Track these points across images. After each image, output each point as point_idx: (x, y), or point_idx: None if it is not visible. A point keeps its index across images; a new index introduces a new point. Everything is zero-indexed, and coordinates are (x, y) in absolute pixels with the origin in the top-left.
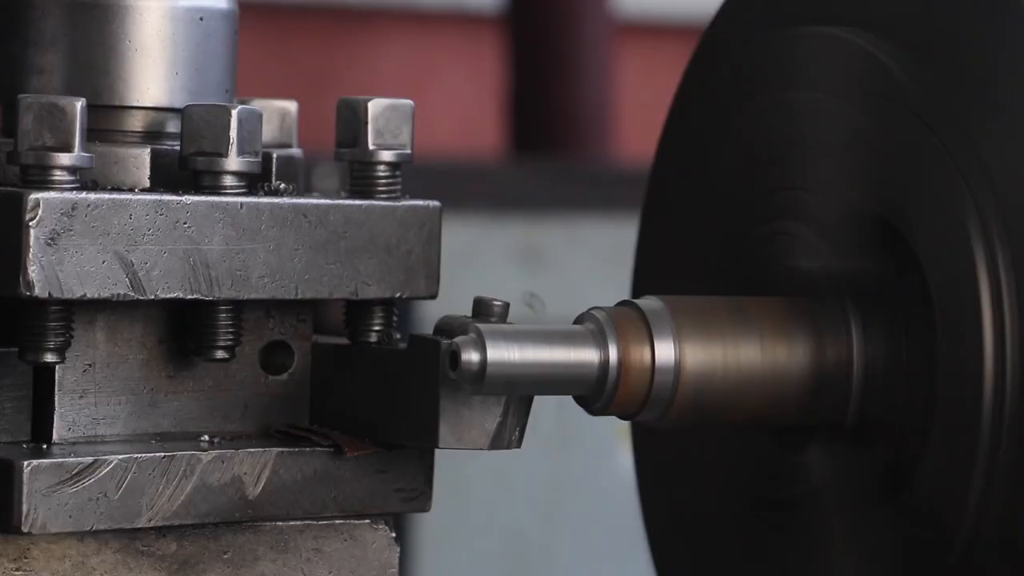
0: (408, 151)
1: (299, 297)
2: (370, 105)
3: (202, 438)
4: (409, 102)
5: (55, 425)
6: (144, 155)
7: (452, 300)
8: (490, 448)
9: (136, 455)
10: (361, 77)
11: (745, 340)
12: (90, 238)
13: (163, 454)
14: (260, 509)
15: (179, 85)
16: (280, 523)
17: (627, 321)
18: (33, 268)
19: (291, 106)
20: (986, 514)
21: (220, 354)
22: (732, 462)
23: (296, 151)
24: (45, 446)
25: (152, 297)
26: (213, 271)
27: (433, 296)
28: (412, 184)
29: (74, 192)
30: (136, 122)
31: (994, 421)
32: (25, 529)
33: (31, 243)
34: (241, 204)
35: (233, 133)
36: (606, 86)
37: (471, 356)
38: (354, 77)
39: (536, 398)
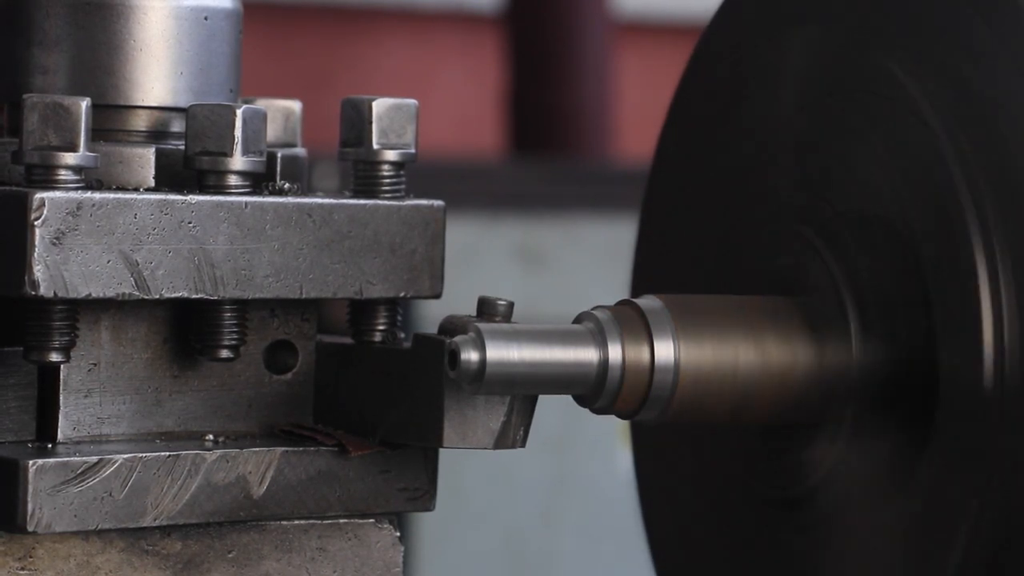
0: (412, 151)
1: (304, 297)
2: (374, 105)
3: (207, 437)
4: (413, 102)
5: (60, 424)
6: (149, 155)
7: (452, 300)
8: (495, 447)
9: (141, 454)
10: (361, 77)
11: (744, 339)
12: (95, 237)
13: (168, 453)
14: (264, 508)
15: (183, 85)
16: (284, 522)
17: (626, 320)
18: (38, 267)
19: (295, 106)
20: (986, 514)
21: (225, 353)
22: (731, 461)
23: (300, 151)
24: (50, 445)
25: (157, 296)
26: (218, 270)
27: (437, 295)
28: (412, 183)
29: (79, 192)
30: (140, 122)
31: (994, 421)
32: (30, 528)
33: (36, 242)
34: (246, 204)
35: (238, 133)
36: (605, 86)
37: (470, 355)
38: (354, 77)
39: (540, 397)
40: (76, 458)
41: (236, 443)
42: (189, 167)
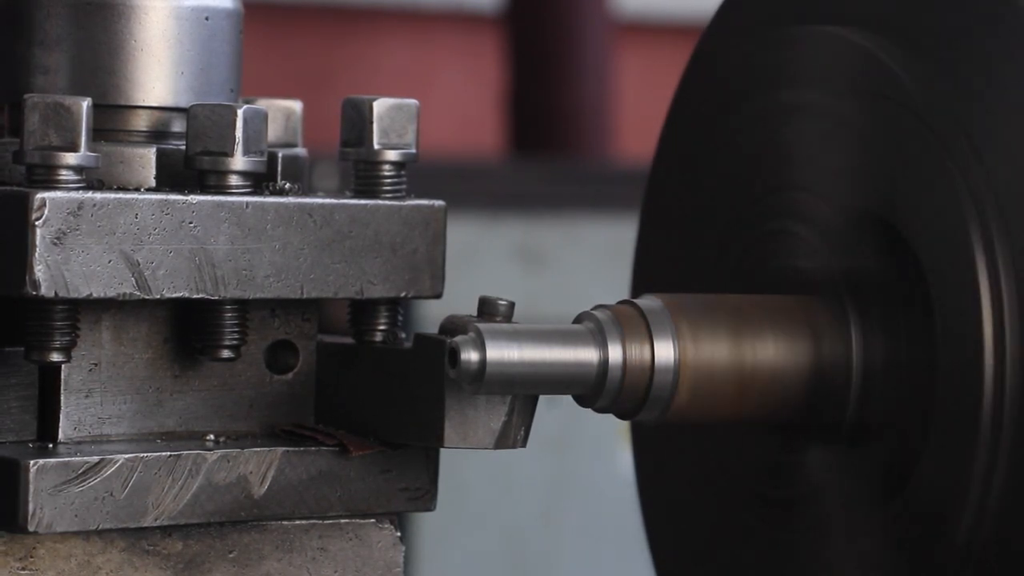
0: (413, 151)
1: (305, 296)
2: (375, 105)
3: (207, 437)
4: (414, 102)
5: (61, 424)
6: (150, 155)
7: (451, 300)
8: (495, 447)
9: (142, 454)
10: (361, 76)
11: (744, 339)
12: (96, 237)
13: (169, 453)
14: (265, 508)
15: (184, 85)
16: (285, 522)
17: (627, 320)
18: (39, 267)
19: (296, 105)
20: (984, 514)
21: (225, 353)
22: (731, 461)
23: (301, 150)
24: (51, 445)
25: (158, 296)
26: (219, 270)
27: (438, 295)
28: (412, 183)
29: (80, 191)
30: (141, 122)
31: (994, 421)
32: (31, 528)
33: (37, 242)
34: (247, 204)
35: (238, 133)
36: (606, 86)
37: (470, 355)
38: (354, 77)
39: (540, 397)
40: (77, 458)
41: (237, 443)
42: (190, 167)
